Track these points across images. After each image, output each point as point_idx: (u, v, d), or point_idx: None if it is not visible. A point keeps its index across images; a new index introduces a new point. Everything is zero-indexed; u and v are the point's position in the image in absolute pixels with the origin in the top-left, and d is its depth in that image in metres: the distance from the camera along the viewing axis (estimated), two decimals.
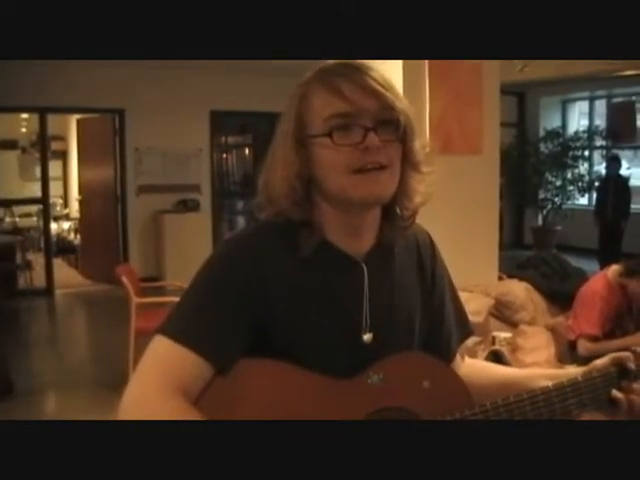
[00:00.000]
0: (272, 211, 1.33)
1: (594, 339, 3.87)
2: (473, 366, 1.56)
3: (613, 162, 10.23)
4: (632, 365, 1.39)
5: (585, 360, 3.71)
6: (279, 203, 1.30)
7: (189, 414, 1.16)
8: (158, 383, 1.18)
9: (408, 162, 1.32)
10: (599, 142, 12.17)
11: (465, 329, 1.55)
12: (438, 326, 1.48)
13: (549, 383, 1.37)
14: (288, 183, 1.28)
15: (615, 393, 1.37)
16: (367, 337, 1.32)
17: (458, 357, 1.54)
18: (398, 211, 1.37)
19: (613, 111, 12.48)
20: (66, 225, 12.37)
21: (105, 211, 9.99)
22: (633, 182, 11.37)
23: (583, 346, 3.90)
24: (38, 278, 9.61)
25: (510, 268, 5.13)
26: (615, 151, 11.64)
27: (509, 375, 1.50)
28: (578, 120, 13.09)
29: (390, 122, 1.27)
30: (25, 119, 12.20)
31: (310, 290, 1.29)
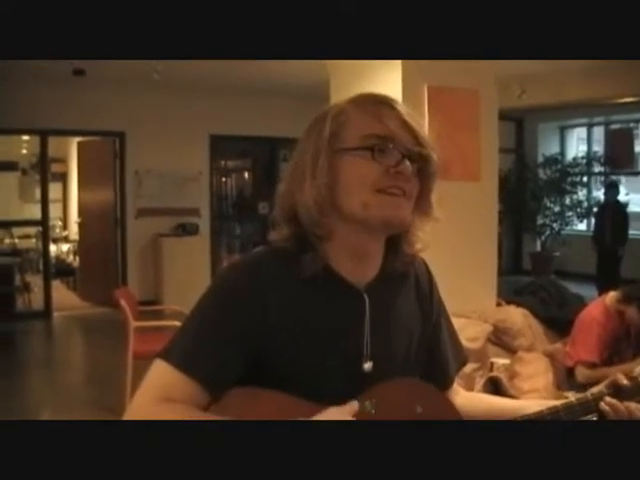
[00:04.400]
0: (286, 231, 1.33)
1: (591, 366, 3.86)
2: (469, 396, 1.57)
3: (611, 188, 10.26)
4: (624, 381, 1.42)
5: (583, 387, 3.71)
6: (305, 214, 1.30)
7: (193, 413, 1.18)
8: (157, 404, 1.20)
9: (421, 203, 1.36)
10: (597, 168, 12.21)
11: (460, 358, 1.57)
12: (435, 354, 1.49)
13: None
14: (318, 191, 1.29)
15: (602, 405, 1.40)
16: (367, 366, 1.33)
17: (455, 385, 1.55)
18: (403, 244, 1.39)
19: (611, 137, 12.54)
20: (65, 247, 12.36)
21: (104, 234, 9.99)
22: (632, 208, 11.39)
23: (580, 373, 3.89)
24: (36, 300, 9.59)
25: (508, 294, 5.13)
26: (613, 177, 11.68)
27: (505, 405, 1.51)
28: (576, 146, 13.13)
29: (417, 159, 1.32)
30: (26, 141, 12.22)
31: (312, 319, 1.30)
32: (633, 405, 1.39)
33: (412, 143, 1.31)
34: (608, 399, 1.40)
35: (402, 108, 1.33)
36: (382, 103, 1.33)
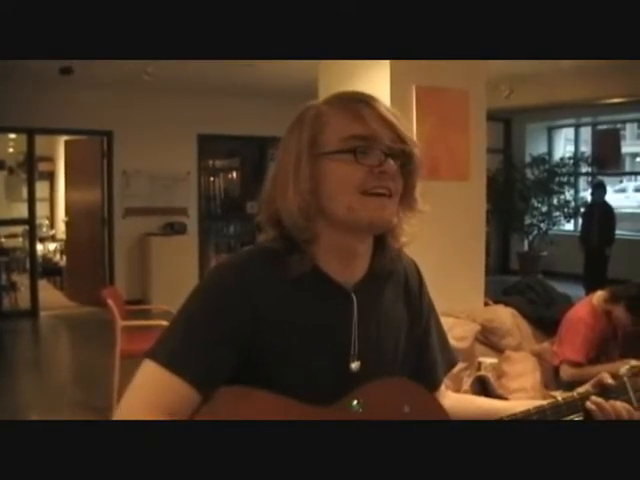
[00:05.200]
0: (272, 234, 1.33)
1: (576, 365, 3.87)
2: (458, 398, 1.57)
3: (598, 188, 10.29)
4: (610, 380, 1.43)
5: (568, 385, 3.72)
6: (289, 220, 1.29)
7: None
8: (145, 409, 1.18)
9: (405, 199, 1.36)
10: (584, 168, 12.26)
11: (450, 359, 1.56)
12: (423, 355, 1.49)
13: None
14: (302, 197, 1.28)
15: (588, 404, 1.40)
16: (355, 366, 1.33)
17: (443, 387, 1.54)
18: (389, 238, 1.39)
19: (598, 138, 12.59)
20: (52, 246, 12.30)
21: (91, 233, 9.96)
22: (620, 209, 11.45)
23: (565, 371, 3.90)
24: (23, 299, 9.55)
25: (496, 294, 5.14)
26: (600, 177, 11.74)
27: (493, 406, 1.51)
28: (564, 146, 13.18)
29: (400, 155, 1.31)
30: (12, 139, 12.16)
31: (300, 318, 1.29)
32: (619, 404, 1.39)
33: (393, 140, 1.30)
34: (594, 398, 1.40)
35: (380, 105, 1.32)
36: (359, 101, 1.32)
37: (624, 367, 1.46)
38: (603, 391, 1.42)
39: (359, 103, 1.31)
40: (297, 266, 1.30)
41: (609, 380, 1.42)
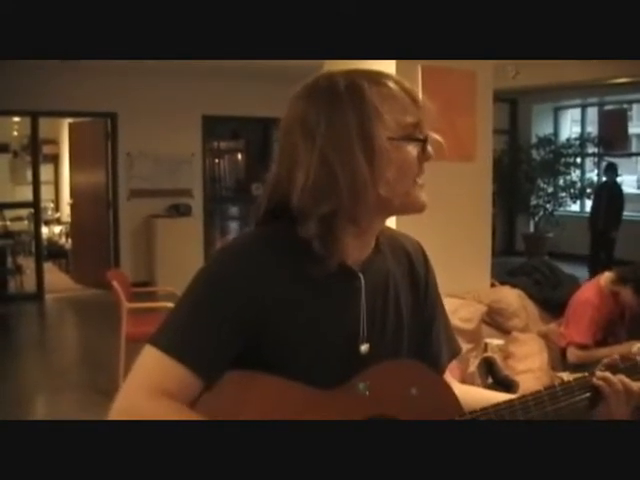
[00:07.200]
0: (315, 228, 1.23)
1: (583, 347, 3.87)
2: (465, 390, 1.53)
3: (609, 170, 10.24)
4: (620, 364, 1.42)
5: (575, 367, 3.72)
6: (360, 212, 1.24)
7: (183, 413, 1.15)
8: (147, 395, 1.16)
9: None
10: (591, 149, 12.21)
11: (454, 348, 1.52)
12: (428, 338, 1.45)
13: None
14: (361, 182, 1.21)
15: (595, 381, 1.39)
16: (364, 348, 1.30)
17: (448, 374, 1.51)
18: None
19: (605, 118, 12.52)
20: (57, 229, 12.32)
21: (96, 215, 9.96)
22: (625, 189, 11.40)
23: (572, 353, 3.91)
24: (29, 282, 9.57)
25: (501, 275, 5.12)
26: (607, 158, 11.69)
27: (497, 398, 1.48)
28: (570, 127, 13.13)
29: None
30: (17, 122, 12.14)
31: (309, 302, 1.26)
32: (628, 380, 1.38)
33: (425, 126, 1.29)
34: (600, 373, 1.39)
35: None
36: (406, 89, 1.29)
37: (635, 346, 1.45)
38: (614, 373, 1.40)
39: (407, 91, 1.29)
40: (325, 263, 1.24)
41: (620, 364, 1.41)
